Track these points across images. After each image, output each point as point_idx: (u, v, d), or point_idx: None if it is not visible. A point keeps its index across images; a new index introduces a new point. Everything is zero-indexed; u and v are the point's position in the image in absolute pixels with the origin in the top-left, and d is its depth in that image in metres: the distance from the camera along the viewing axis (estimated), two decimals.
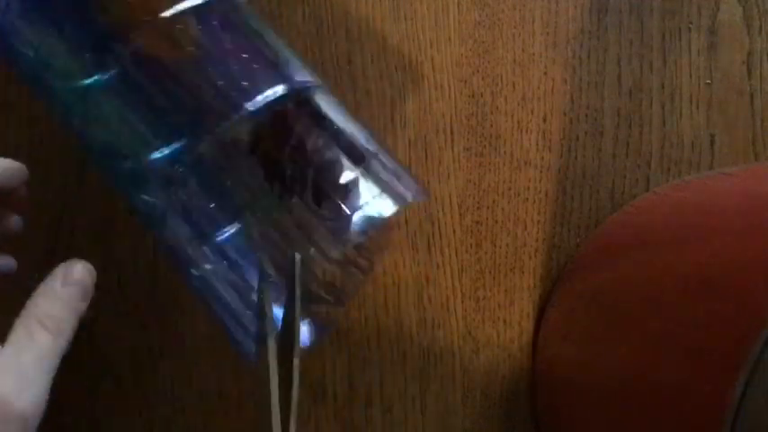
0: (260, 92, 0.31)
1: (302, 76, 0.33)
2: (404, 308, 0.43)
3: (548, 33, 0.45)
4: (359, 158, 0.31)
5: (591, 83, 0.45)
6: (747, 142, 0.46)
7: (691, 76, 0.46)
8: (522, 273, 0.45)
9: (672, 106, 0.46)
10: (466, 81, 0.44)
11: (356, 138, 0.32)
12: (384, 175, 0.32)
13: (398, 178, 0.32)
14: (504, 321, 0.44)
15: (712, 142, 0.46)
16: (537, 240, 0.45)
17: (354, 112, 0.43)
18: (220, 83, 0.31)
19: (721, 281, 0.29)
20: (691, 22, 0.46)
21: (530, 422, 0.44)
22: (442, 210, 0.44)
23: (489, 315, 0.44)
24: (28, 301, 0.27)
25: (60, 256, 0.42)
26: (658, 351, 0.31)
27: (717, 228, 0.33)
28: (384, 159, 0.32)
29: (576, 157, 0.45)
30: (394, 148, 0.44)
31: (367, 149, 0.32)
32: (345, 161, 0.31)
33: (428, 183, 0.44)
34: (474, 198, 0.44)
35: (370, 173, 0.31)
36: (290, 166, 0.30)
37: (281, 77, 0.32)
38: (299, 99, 0.32)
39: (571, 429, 0.40)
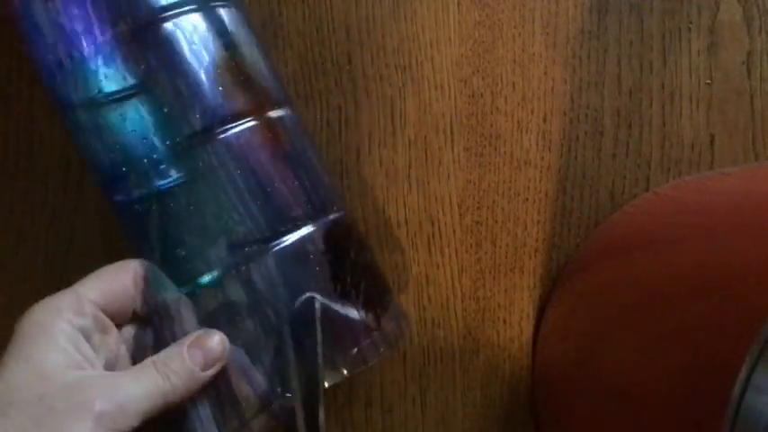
0: (331, 202, 0.35)
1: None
2: (404, 308, 0.43)
3: (548, 33, 0.45)
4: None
5: (591, 83, 0.45)
6: (747, 142, 0.46)
7: (691, 76, 0.46)
8: (522, 273, 0.45)
9: (672, 106, 0.46)
10: (466, 81, 0.44)
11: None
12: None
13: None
14: (504, 321, 0.44)
15: (712, 142, 0.46)
16: (537, 240, 0.45)
17: (354, 112, 0.43)
18: (306, 185, 0.34)
19: (721, 280, 0.29)
20: (691, 22, 0.46)
21: (530, 422, 0.44)
22: (442, 210, 0.44)
23: (489, 315, 0.44)
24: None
25: (60, 256, 0.42)
26: (658, 351, 0.31)
27: (717, 228, 0.33)
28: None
29: (576, 157, 0.45)
30: (394, 148, 0.44)
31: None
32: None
33: (428, 183, 0.44)
34: (474, 198, 0.44)
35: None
36: (350, 274, 0.33)
37: (337, 194, 0.37)
38: (350, 220, 0.36)
39: (571, 429, 0.40)
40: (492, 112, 0.45)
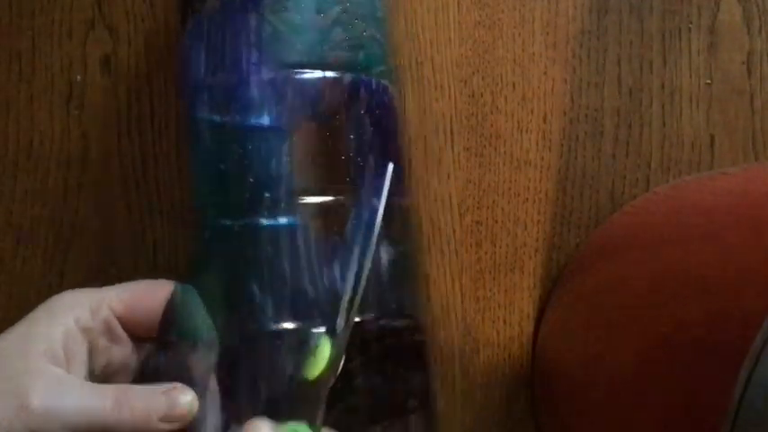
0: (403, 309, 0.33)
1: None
2: None
3: (548, 33, 0.45)
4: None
5: (591, 83, 0.45)
6: (747, 142, 0.46)
7: (691, 76, 0.46)
8: (522, 273, 0.45)
9: (672, 106, 0.46)
10: (466, 81, 0.44)
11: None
12: None
13: None
14: (504, 321, 0.44)
15: (712, 142, 0.46)
16: (537, 240, 0.45)
17: None
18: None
19: (721, 280, 0.29)
20: (691, 22, 0.46)
21: (530, 422, 0.44)
22: (442, 210, 0.44)
23: (489, 315, 0.44)
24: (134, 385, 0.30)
25: (60, 256, 0.42)
26: (658, 351, 0.31)
27: (716, 228, 0.33)
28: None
29: (575, 157, 0.45)
30: None
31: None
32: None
33: (428, 183, 0.44)
34: (474, 198, 0.44)
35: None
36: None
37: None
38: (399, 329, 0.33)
39: (571, 429, 0.40)
40: (492, 112, 0.45)
